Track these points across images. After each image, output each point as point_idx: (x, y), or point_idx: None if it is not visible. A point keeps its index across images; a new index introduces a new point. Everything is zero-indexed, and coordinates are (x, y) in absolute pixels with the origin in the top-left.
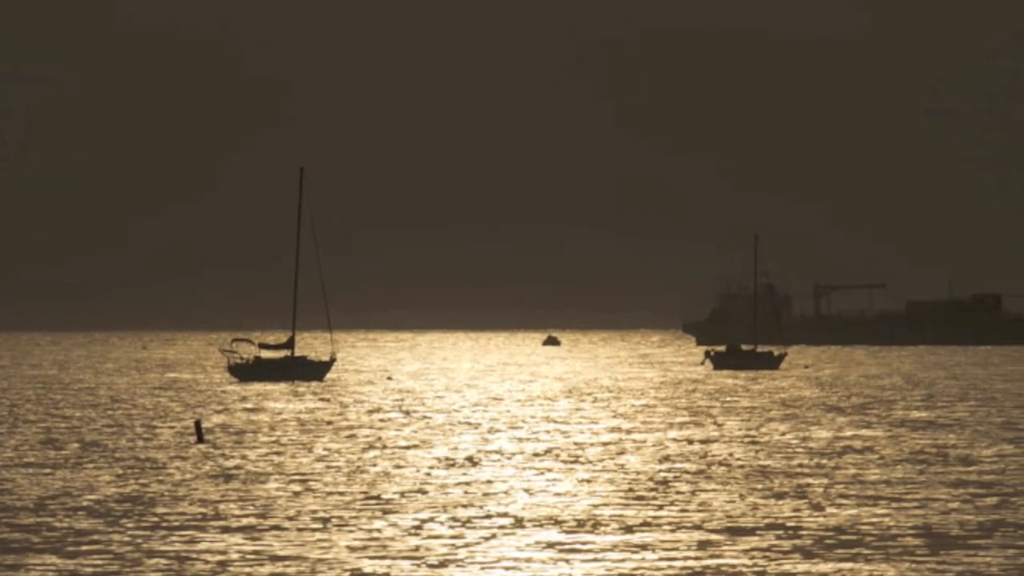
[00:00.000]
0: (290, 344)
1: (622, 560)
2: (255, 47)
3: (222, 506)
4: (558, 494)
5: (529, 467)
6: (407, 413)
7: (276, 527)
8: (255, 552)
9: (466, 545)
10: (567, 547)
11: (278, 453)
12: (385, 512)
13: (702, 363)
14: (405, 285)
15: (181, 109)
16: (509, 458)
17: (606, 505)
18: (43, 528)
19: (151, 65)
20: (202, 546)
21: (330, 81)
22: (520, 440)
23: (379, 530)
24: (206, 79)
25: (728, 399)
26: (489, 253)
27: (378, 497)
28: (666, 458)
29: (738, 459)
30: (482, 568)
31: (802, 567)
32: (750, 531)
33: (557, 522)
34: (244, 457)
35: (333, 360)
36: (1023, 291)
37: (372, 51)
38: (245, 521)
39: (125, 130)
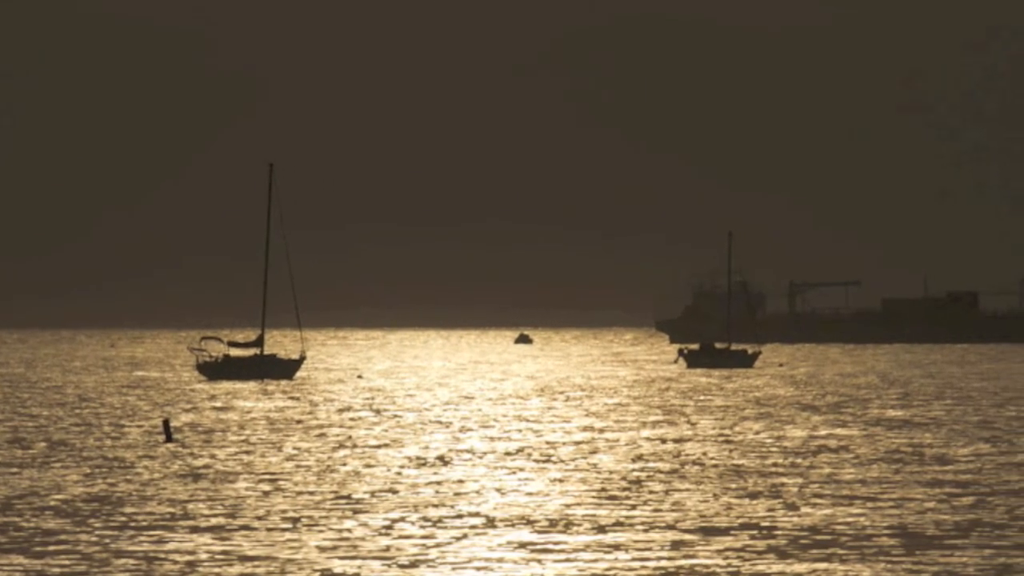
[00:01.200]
0: (259, 342)
1: (595, 560)
2: (224, 41)
3: (191, 506)
4: (530, 494)
5: (501, 466)
6: (378, 412)
7: (245, 527)
8: (224, 552)
9: (437, 545)
10: (539, 547)
11: (247, 452)
12: (355, 512)
13: (675, 361)
14: (375, 283)
15: (148, 103)
16: (481, 457)
17: (578, 505)
18: (10, 528)
19: (118, 59)
20: (171, 546)
21: (299, 76)
22: (492, 439)
23: (349, 530)
24: (174, 73)
25: (702, 398)
26: (461, 251)
27: (348, 497)
28: (639, 457)
29: (712, 458)
30: (453, 568)
31: (776, 567)
32: (724, 531)
33: (529, 522)
34: (213, 456)
35: (303, 358)
36: (999, 289)
37: (343, 46)
38: (214, 521)
39: (92, 124)
